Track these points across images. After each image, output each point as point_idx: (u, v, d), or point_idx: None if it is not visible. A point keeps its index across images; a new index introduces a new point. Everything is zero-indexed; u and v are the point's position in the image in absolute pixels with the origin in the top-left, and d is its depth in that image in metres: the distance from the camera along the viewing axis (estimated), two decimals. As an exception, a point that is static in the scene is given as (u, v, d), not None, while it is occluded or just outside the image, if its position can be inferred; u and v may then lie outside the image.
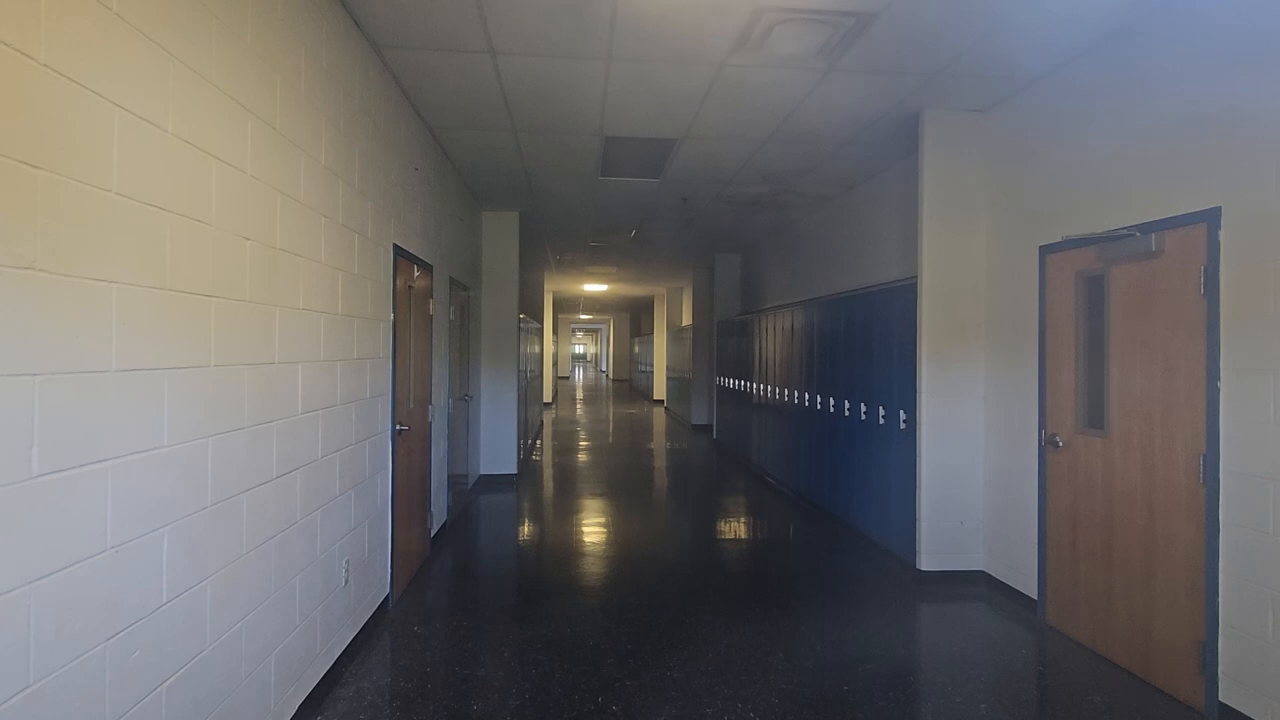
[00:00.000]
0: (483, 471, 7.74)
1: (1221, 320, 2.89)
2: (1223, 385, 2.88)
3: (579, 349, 48.30)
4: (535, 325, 11.62)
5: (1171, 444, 3.12)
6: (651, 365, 20.71)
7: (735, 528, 6.03)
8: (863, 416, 5.51)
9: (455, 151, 5.58)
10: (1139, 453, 3.30)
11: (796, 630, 3.77)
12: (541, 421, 13.51)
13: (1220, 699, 2.89)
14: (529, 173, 6.21)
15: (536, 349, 12.05)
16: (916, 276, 4.64)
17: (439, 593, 4.34)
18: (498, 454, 7.79)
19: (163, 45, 1.87)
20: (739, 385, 9.58)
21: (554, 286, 16.98)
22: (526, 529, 5.94)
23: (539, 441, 11.31)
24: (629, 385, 27.69)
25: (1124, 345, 3.38)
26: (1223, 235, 2.89)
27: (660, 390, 19.13)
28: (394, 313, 3.99)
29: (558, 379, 25.81)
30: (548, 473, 8.60)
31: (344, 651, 3.28)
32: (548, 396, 17.94)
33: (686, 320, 15.44)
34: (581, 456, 9.89)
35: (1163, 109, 3.20)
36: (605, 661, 3.37)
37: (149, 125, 1.81)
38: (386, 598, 3.95)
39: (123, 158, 1.71)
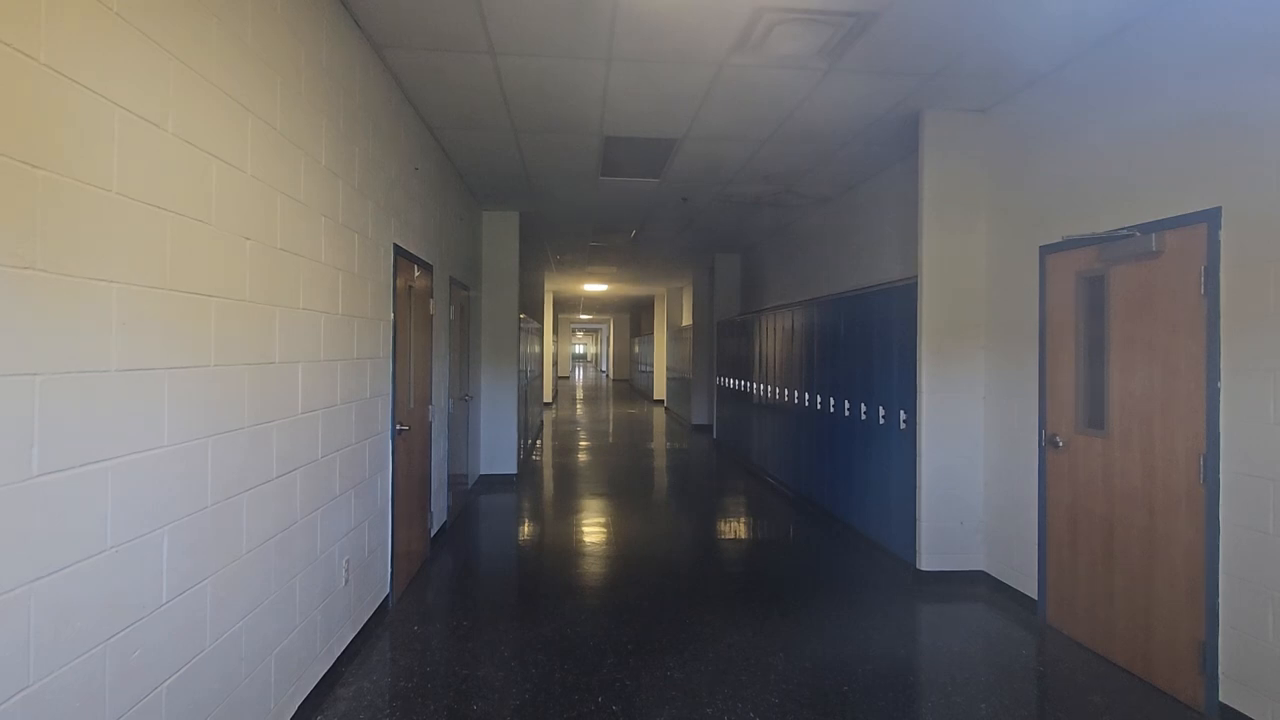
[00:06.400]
0: (483, 471, 7.74)
1: (1222, 320, 2.89)
2: (1223, 385, 2.88)
3: (579, 349, 48.29)
4: (535, 325, 11.62)
5: (1171, 444, 3.12)
6: (651, 365, 20.71)
7: (735, 528, 6.03)
8: (863, 416, 5.51)
9: (455, 151, 5.58)
10: (1139, 453, 3.30)
11: (796, 630, 3.76)
12: (541, 421, 13.51)
13: (1220, 699, 2.89)
14: (529, 173, 6.21)
15: (536, 349, 12.05)
16: (916, 276, 4.64)
17: (439, 593, 4.34)
18: (498, 454, 7.79)
19: (163, 45, 1.87)
20: (739, 385, 9.58)
21: (554, 286, 16.98)
22: (526, 529, 5.94)
23: (539, 441, 11.31)
24: (629, 385, 27.68)
25: (1124, 345, 3.38)
26: (1223, 235, 2.89)
27: (660, 390, 19.12)
28: (394, 313, 3.99)
29: (558, 379, 25.81)
30: (548, 473, 8.60)
31: (344, 651, 3.28)
32: (548, 396, 17.94)
33: (686, 320, 15.44)
34: (581, 456, 9.89)
35: (1163, 109, 3.20)
36: (605, 661, 3.37)
37: (149, 125, 1.81)
38: (386, 598, 3.95)
39: (123, 157, 1.71)
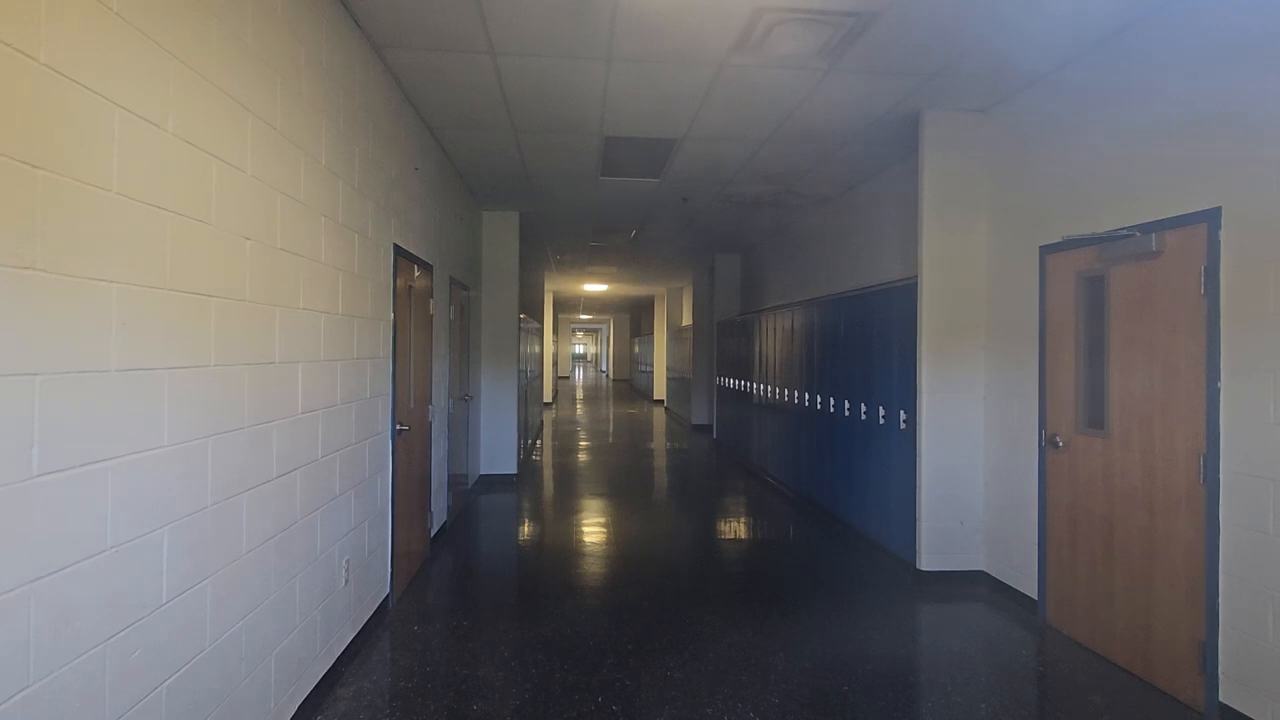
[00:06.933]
0: (483, 471, 7.74)
1: (1222, 320, 2.89)
2: (1223, 385, 2.88)
3: (579, 349, 48.29)
4: (535, 325, 11.62)
5: (1171, 444, 3.12)
6: (651, 365, 20.71)
7: (735, 528, 6.03)
8: (863, 416, 5.51)
9: (455, 151, 5.58)
10: (1139, 453, 3.30)
11: (796, 630, 3.76)
12: (541, 421, 13.51)
13: (1220, 699, 2.89)
14: (529, 173, 6.21)
15: (536, 349, 12.05)
16: (916, 276, 4.64)
17: (439, 593, 4.34)
18: (498, 454, 7.79)
19: (163, 45, 1.87)
20: (739, 385, 9.58)
21: (554, 286, 16.98)
22: (526, 529, 5.94)
23: (539, 441, 11.31)
24: (629, 385, 27.68)
25: (1124, 345, 3.38)
26: (1223, 235, 2.89)
27: (660, 390, 19.12)
28: (394, 313, 3.99)
29: (558, 379, 25.81)
30: (548, 473, 8.60)
31: (344, 651, 3.28)
32: (548, 396, 17.94)
33: (686, 320, 15.44)
34: (581, 456, 9.89)
35: (1163, 109, 3.20)
36: (605, 661, 3.37)
37: (149, 125, 1.81)
38: (386, 598, 3.95)
39: (123, 157, 1.71)
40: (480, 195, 7.08)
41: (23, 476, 1.43)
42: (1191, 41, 3.06)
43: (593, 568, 4.83)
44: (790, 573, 4.77)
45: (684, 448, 10.91)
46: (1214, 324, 2.91)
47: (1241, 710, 2.80)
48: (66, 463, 1.54)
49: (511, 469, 7.81)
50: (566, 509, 6.62)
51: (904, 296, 4.89)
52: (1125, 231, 3.35)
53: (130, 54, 1.74)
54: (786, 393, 7.40)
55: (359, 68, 3.45)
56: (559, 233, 9.33)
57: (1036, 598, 4.00)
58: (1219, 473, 2.90)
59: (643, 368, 23.26)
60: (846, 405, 5.83)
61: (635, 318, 27.20)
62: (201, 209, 2.05)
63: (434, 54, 3.77)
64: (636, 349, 25.78)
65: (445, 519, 5.67)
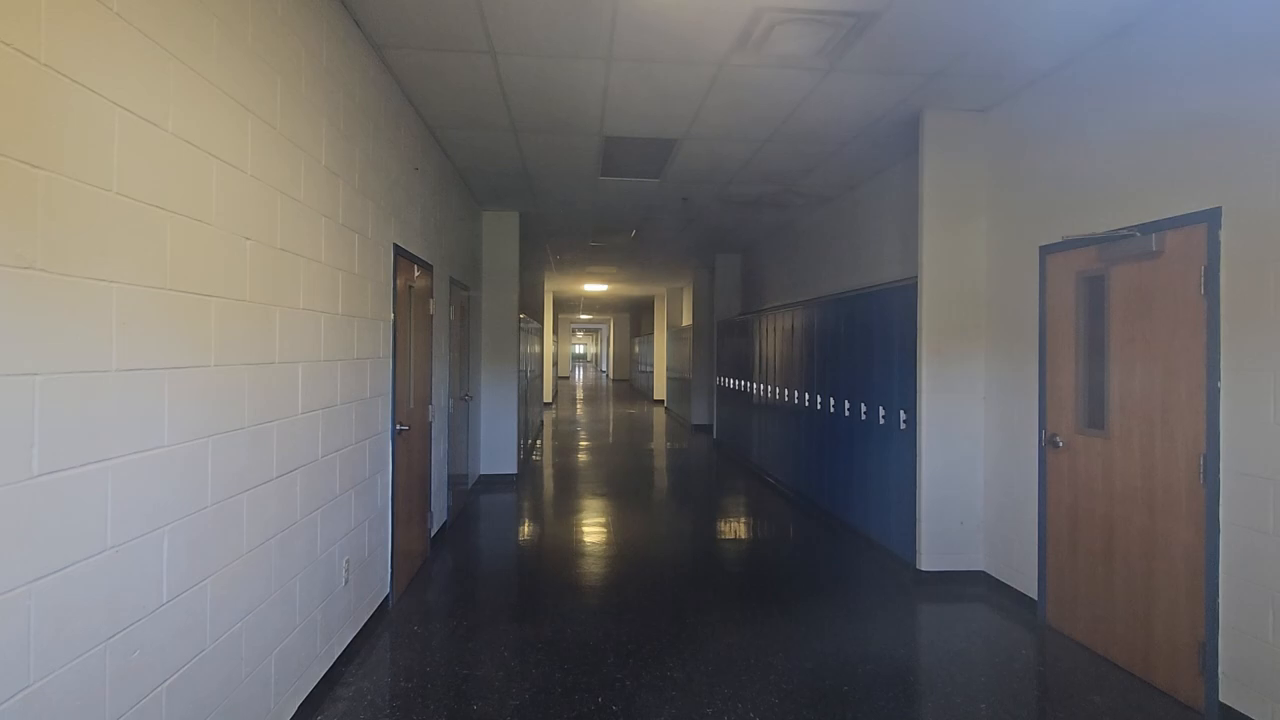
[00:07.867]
0: (483, 471, 7.74)
1: (1222, 320, 2.89)
2: (1223, 385, 2.88)
3: (579, 349, 48.28)
4: (535, 325, 11.61)
5: (1172, 444, 3.12)
6: (651, 365, 20.72)
7: (735, 528, 6.03)
8: (863, 416, 5.51)
9: (455, 151, 5.58)
10: (1139, 453, 3.30)
11: (796, 630, 3.76)
12: (541, 421, 13.51)
13: (1220, 699, 2.89)
14: (529, 173, 6.21)
15: (537, 349, 12.04)
16: (916, 276, 4.64)
17: (439, 593, 4.34)
18: (498, 454, 7.79)
19: (163, 45, 1.87)
20: (739, 385, 9.58)
21: (554, 286, 16.98)
22: (526, 529, 5.94)
23: (539, 441, 11.31)
24: (629, 385, 27.68)
25: (1124, 345, 3.38)
26: (1223, 235, 2.89)
27: (660, 390, 19.13)
28: (394, 313, 3.99)
29: (558, 379, 25.81)
30: (548, 473, 8.60)
31: (344, 651, 3.28)
32: (548, 396, 17.94)
33: (686, 320, 15.44)
34: (581, 456, 9.89)
35: (1163, 109, 3.20)
36: (605, 661, 3.37)
37: (149, 125, 1.81)
38: (386, 597, 3.95)
39: (123, 157, 1.71)
40: (480, 195, 7.08)
41: (23, 476, 1.43)
42: (1192, 41, 3.06)
43: (593, 568, 4.83)
44: (790, 573, 4.77)
45: (684, 448, 10.91)
46: (1214, 324, 2.91)
47: (1241, 710, 2.80)
48: (66, 463, 1.54)
49: (511, 469, 7.81)
50: (566, 509, 6.62)
51: (904, 296, 4.88)
52: (1125, 231, 3.35)
53: (130, 54, 1.74)
54: (787, 393, 7.40)
55: (359, 68, 3.46)
56: (559, 233, 9.33)
57: (1036, 598, 4.00)
58: (1219, 473, 2.90)
59: (643, 368, 23.27)
60: (847, 405, 5.83)
61: (635, 318, 27.20)
62: (202, 209, 2.05)
63: (434, 54, 3.77)
64: (636, 349, 25.79)
65: (445, 519, 5.67)
